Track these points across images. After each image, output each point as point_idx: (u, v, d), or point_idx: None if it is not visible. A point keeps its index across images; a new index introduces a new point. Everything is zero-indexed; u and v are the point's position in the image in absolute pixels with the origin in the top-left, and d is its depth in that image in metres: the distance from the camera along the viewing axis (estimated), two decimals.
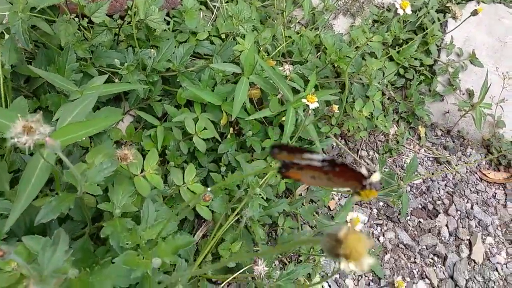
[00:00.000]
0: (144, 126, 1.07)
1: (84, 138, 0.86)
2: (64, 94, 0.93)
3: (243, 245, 0.96)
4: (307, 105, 0.89)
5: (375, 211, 1.22)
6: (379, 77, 1.27)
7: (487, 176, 1.34)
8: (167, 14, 1.16)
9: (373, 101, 1.24)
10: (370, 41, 1.32)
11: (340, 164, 0.41)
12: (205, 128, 0.99)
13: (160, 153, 1.00)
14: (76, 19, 0.95)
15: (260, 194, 0.87)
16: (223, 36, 1.19)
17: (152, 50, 0.92)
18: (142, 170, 0.81)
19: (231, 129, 1.08)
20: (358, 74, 1.25)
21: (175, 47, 1.03)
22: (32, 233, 0.77)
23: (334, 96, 1.09)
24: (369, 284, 1.10)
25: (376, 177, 0.42)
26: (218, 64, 1.01)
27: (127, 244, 0.64)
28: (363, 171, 0.40)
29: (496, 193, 1.31)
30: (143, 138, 1.00)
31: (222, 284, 0.92)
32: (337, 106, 0.94)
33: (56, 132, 0.64)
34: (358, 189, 0.42)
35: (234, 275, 0.90)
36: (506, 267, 1.16)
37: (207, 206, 0.92)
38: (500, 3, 1.61)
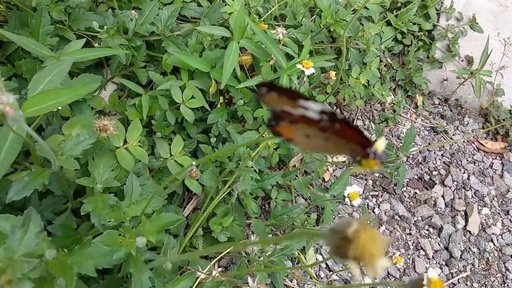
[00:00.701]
0: (128, 95, 1.01)
1: (60, 107, 0.80)
2: (40, 60, 0.86)
3: (235, 219, 0.92)
4: (302, 71, 0.83)
5: (370, 182, 1.18)
6: (376, 43, 1.21)
7: (485, 146, 1.31)
8: None
9: (370, 68, 1.18)
10: (367, 3, 1.24)
11: (341, 119, 0.33)
12: (193, 97, 0.93)
13: (146, 123, 0.94)
14: None
15: (252, 167, 0.83)
16: None
17: (133, 11, 0.84)
18: (125, 142, 0.76)
19: (221, 97, 1.02)
20: (355, 39, 1.19)
21: (159, 9, 0.95)
22: (11, 208, 0.72)
23: (329, 63, 1.03)
24: None
25: (380, 145, 0.36)
26: (206, 28, 0.94)
27: (110, 221, 0.59)
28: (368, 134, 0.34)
29: (493, 163, 1.28)
30: (127, 108, 0.93)
31: (214, 260, 0.88)
32: (334, 72, 0.88)
33: (27, 102, 0.58)
34: (359, 156, 0.35)
35: (227, 250, 0.86)
36: (502, 238, 1.15)
37: (197, 180, 0.87)
38: None
